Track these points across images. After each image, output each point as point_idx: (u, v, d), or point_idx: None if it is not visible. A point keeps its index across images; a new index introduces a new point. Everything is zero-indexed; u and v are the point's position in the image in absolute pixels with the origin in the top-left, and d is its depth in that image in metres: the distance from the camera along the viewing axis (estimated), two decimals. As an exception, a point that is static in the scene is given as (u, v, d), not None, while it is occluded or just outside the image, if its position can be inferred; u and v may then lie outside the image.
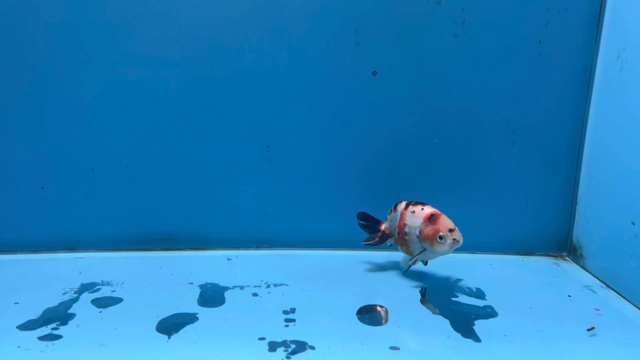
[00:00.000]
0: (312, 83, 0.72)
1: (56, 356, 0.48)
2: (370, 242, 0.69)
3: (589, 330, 0.54)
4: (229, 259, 0.73)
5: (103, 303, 0.59)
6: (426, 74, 0.73)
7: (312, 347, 0.50)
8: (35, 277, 0.65)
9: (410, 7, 0.71)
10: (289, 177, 0.75)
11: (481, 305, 0.60)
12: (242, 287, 0.64)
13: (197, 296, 0.61)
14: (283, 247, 0.77)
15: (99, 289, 0.62)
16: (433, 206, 0.63)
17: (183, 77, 0.71)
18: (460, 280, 0.67)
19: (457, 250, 0.61)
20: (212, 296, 0.61)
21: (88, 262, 0.70)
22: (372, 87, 0.73)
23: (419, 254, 0.63)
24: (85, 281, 0.64)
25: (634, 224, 0.62)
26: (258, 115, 0.73)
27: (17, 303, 0.58)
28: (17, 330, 0.52)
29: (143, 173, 0.73)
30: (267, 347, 0.50)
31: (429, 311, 0.58)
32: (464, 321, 0.56)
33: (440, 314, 0.57)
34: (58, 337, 0.51)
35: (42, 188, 0.72)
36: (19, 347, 0.49)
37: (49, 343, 0.50)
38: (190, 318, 0.56)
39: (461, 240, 0.59)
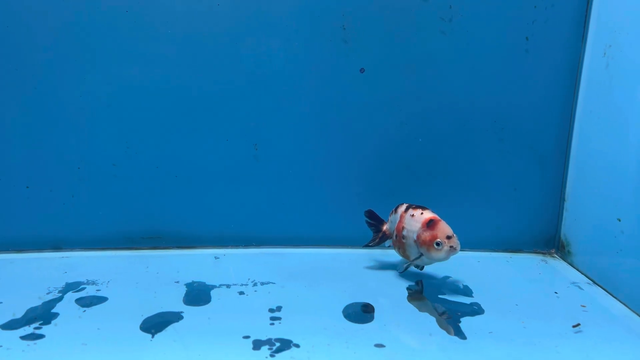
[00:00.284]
0: (300, 80, 0.72)
1: (37, 356, 0.47)
2: (370, 244, 0.68)
3: (574, 327, 0.54)
4: (216, 258, 0.73)
5: (87, 302, 0.58)
6: (414, 71, 0.73)
7: (297, 345, 0.50)
8: (19, 277, 0.65)
9: (398, 4, 0.71)
10: (277, 175, 0.75)
11: (468, 302, 0.60)
12: (228, 286, 0.63)
13: (183, 295, 0.61)
14: (271, 245, 0.76)
15: (83, 288, 0.62)
16: (433, 211, 0.62)
17: (169, 75, 0.70)
18: (447, 277, 0.67)
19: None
20: (198, 295, 0.61)
21: (74, 262, 0.70)
22: (359, 84, 0.73)
23: (415, 259, 0.62)
24: (70, 280, 0.64)
25: (620, 220, 0.62)
26: (245, 113, 0.73)
27: (1, 302, 0.57)
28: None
29: (129, 171, 0.73)
30: (251, 346, 0.50)
31: (415, 309, 0.58)
32: (451, 318, 0.56)
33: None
34: (40, 336, 0.51)
35: (27, 187, 0.71)
36: (0, 346, 0.49)
37: (31, 342, 0.49)
38: (175, 317, 0.55)
39: (458, 248, 0.58)
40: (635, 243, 0.59)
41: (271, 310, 0.57)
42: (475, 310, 0.58)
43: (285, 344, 0.50)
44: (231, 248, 0.76)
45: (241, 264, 0.71)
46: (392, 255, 0.69)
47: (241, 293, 0.61)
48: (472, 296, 0.62)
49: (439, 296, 0.62)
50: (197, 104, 0.72)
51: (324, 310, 0.57)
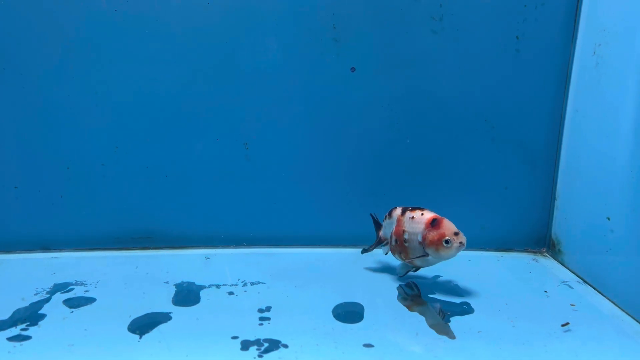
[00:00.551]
0: (290, 79, 0.72)
1: (23, 357, 0.47)
2: (366, 249, 0.68)
3: (563, 325, 0.54)
4: (207, 258, 0.72)
5: (75, 303, 0.58)
6: (405, 70, 0.72)
7: (285, 346, 0.50)
8: (7, 278, 0.64)
9: (388, 3, 0.70)
10: (268, 175, 0.75)
11: (458, 302, 0.60)
12: (218, 286, 0.63)
13: (172, 295, 0.60)
14: (262, 245, 0.76)
15: (72, 289, 0.61)
16: (432, 210, 0.61)
17: (158, 74, 0.70)
18: (438, 277, 0.67)
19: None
20: (187, 295, 0.60)
21: (62, 262, 0.69)
22: (350, 83, 0.73)
23: (418, 257, 0.60)
24: (59, 281, 0.63)
25: (609, 219, 0.62)
26: (236, 113, 0.72)
27: (-13, 304, 0.57)
28: (-15, 331, 0.51)
29: (119, 171, 0.72)
30: (239, 346, 0.49)
31: (405, 308, 0.58)
32: (432, 315, 0.56)
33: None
34: (27, 337, 0.50)
35: (16, 187, 0.71)
36: (-14, 348, 0.48)
37: (17, 344, 0.49)
38: (164, 317, 0.55)
39: (465, 243, 0.58)
40: (624, 242, 0.59)
41: (260, 311, 0.57)
42: (464, 309, 0.58)
43: (274, 344, 0.50)
44: (222, 248, 0.76)
45: (231, 264, 0.70)
46: (382, 254, 0.68)
47: (231, 293, 0.61)
48: (462, 295, 0.62)
49: (430, 295, 0.62)
50: (187, 103, 0.71)
51: (314, 310, 0.57)
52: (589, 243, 0.66)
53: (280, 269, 0.69)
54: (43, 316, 0.55)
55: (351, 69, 0.72)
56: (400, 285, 0.64)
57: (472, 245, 0.76)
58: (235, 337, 0.51)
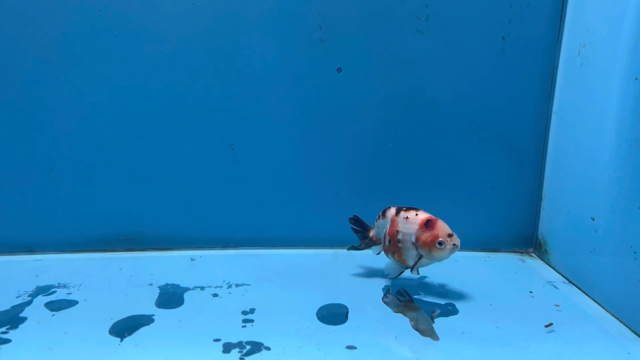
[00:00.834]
0: (276, 80, 0.71)
1: (2, 361, 0.47)
2: (355, 249, 0.67)
3: (546, 326, 0.54)
4: (192, 260, 0.72)
5: (57, 306, 0.57)
6: (391, 71, 0.72)
7: (268, 348, 0.49)
8: (-11, 280, 0.64)
9: (374, 3, 0.70)
10: (254, 176, 0.74)
11: (443, 303, 0.60)
12: (202, 288, 0.63)
13: (156, 297, 0.60)
14: (249, 246, 0.76)
15: (54, 292, 0.61)
16: (426, 211, 0.60)
17: (143, 75, 0.69)
18: (424, 277, 0.67)
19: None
20: (171, 297, 0.60)
21: (46, 264, 0.69)
22: (337, 84, 0.72)
23: (416, 262, 0.60)
24: (41, 284, 0.63)
25: (593, 219, 0.62)
26: (222, 113, 0.72)
27: (-32, 307, 0.56)
28: (-36, 335, 0.51)
29: (104, 172, 0.72)
30: (221, 349, 0.49)
31: (389, 309, 0.58)
32: (424, 319, 0.56)
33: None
34: (7, 341, 0.50)
35: (-1, 189, 0.70)
36: (-36, 352, 0.48)
37: (-4, 348, 0.48)
38: (146, 320, 0.54)
39: (459, 245, 0.57)
40: (608, 242, 0.59)
41: (244, 313, 0.56)
42: (449, 310, 0.58)
43: (256, 347, 0.50)
44: (208, 249, 0.75)
45: (217, 265, 0.70)
46: (369, 255, 0.68)
47: (215, 295, 0.61)
48: (447, 296, 0.62)
49: (415, 296, 0.61)
50: (172, 103, 0.71)
51: (298, 311, 0.57)
52: (574, 243, 0.66)
53: (266, 270, 0.68)
54: (24, 319, 0.54)
55: (337, 69, 0.72)
56: (392, 292, 0.64)
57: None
58: (217, 340, 0.51)
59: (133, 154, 0.72)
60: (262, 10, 0.70)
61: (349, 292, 0.62)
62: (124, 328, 0.53)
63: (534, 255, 0.76)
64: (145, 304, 0.58)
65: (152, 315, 0.56)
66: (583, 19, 0.66)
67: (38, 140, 0.70)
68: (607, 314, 0.58)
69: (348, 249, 0.69)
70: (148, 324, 0.54)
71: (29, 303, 0.58)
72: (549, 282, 0.67)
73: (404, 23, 0.71)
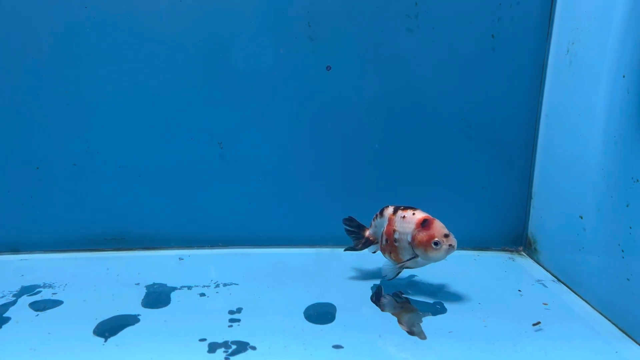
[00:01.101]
0: (265, 77, 0.71)
1: (-17, 362, 0.46)
2: (351, 249, 0.66)
3: (534, 325, 0.54)
4: (181, 259, 0.71)
5: (41, 306, 0.56)
6: (381, 69, 0.72)
7: (254, 348, 0.49)
8: (-26, 281, 0.63)
9: (364, 1, 0.70)
10: (243, 174, 0.74)
11: (431, 302, 0.60)
12: (190, 287, 0.62)
13: (142, 297, 0.59)
14: (238, 245, 0.75)
15: (39, 292, 0.60)
16: (423, 210, 0.60)
17: (130, 72, 0.69)
18: (413, 276, 0.66)
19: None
20: (157, 297, 0.59)
21: (32, 264, 0.68)
22: (326, 82, 0.72)
23: (408, 260, 0.59)
24: (27, 284, 0.62)
25: (582, 217, 0.62)
26: (210, 112, 0.71)
27: (-49, 308, 0.56)
28: (-54, 336, 0.50)
29: (91, 171, 0.71)
30: (206, 349, 0.49)
31: (377, 309, 0.58)
32: (412, 318, 0.55)
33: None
34: (-11, 342, 0.49)
35: (-16, 188, 0.70)
36: (-56, 353, 0.47)
37: (-22, 349, 0.48)
38: (132, 320, 0.54)
39: (456, 246, 0.57)
40: (596, 240, 0.59)
41: (231, 312, 0.56)
42: (437, 309, 0.58)
43: (242, 347, 0.49)
44: (197, 249, 0.75)
45: (206, 264, 0.69)
46: (358, 254, 0.68)
47: (202, 295, 0.60)
48: (436, 295, 0.61)
49: (403, 296, 0.61)
50: (160, 101, 0.70)
51: (286, 311, 0.57)
52: (563, 242, 0.66)
53: (255, 269, 0.68)
54: (7, 319, 0.53)
55: (327, 67, 0.72)
56: (374, 284, 0.64)
57: (449, 244, 0.77)
58: (203, 340, 0.50)
59: (120, 153, 0.71)
60: (250, 7, 0.69)
61: (338, 291, 0.62)
62: (109, 328, 0.52)
63: (524, 254, 0.76)
64: (131, 304, 0.57)
65: (138, 315, 0.55)
66: (572, 17, 0.66)
67: (24, 138, 0.69)
68: (595, 312, 0.58)
69: (345, 250, 0.67)
70: (133, 324, 0.53)
71: (13, 303, 0.57)
72: (538, 280, 0.67)
73: (393, 21, 0.71)
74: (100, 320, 0.53)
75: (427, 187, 0.75)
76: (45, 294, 0.59)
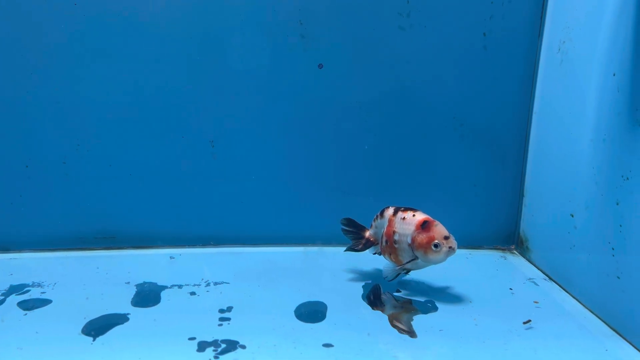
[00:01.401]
0: (256, 75, 0.71)
1: (-31, 362, 0.45)
2: (352, 249, 0.66)
3: (524, 323, 0.54)
4: (171, 258, 0.71)
5: (30, 305, 0.56)
6: (373, 67, 0.72)
7: (243, 347, 0.49)
8: (-38, 280, 0.62)
9: (355, -1, 0.70)
10: (235, 173, 0.73)
11: (423, 300, 0.60)
12: (180, 286, 0.62)
13: (132, 296, 0.59)
14: (229, 244, 0.75)
15: (28, 291, 0.59)
16: (424, 212, 0.59)
17: (121, 70, 0.68)
18: (405, 275, 0.66)
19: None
20: (147, 296, 0.59)
21: (21, 263, 0.68)
22: (318, 80, 0.72)
23: (408, 262, 0.59)
24: (15, 283, 0.61)
25: (573, 215, 0.62)
26: (201, 109, 0.71)
27: (-63, 307, 0.55)
28: None
29: (81, 170, 0.70)
30: (196, 347, 0.48)
31: (369, 307, 0.58)
32: (403, 316, 0.55)
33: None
34: (-24, 341, 0.49)
35: (-28, 186, 0.69)
36: None
37: (-36, 348, 0.47)
38: (121, 319, 0.54)
39: (456, 248, 0.56)
40: (586, 238, 0.59)
41: (221, 311, 0.56)
42: (428, 307, 0.58)
43: (232, 345, 0.49)
44: (188, 248, 0.74)
45: (197, 263, 0.69)
46: (350, 254, 0.68)
47: (192, 293, 0.60)
48: (427, 294, 0.61)
49: (395, 294, 0.61)
50: (151, 99, 0.70)
51: (276, 309, 0.56)
52: (555, 240, 0.66)
53: (246, 268, 0.68)
54: (-6, 319, 0.53)
55: (319, 65, 0.71)
56: (366, 283, 0.63)
57: (441, 242, 0.77)
58: (192, 338, 0.50)
59: (111, 151, 0.70)
60: (242, 5, 0.69)
61: (329, 290, 0.62)
62: (98, 327, 0.52)
63: (516, 252, 0.76)
64: (121, 303, 0.57)
65: (127, 314, 0.55)
66: (563, 15, 0.66)
67: (12, 136, 0.68)
68: (586, 310, 0.58)
69: (345, 250, 0.67)
70: (122, 323, 0.53)
71: (1, 302, 0.57)
72: (530, 279, 0.67)
73: (386, 19, 0.70)
74: (89, 319, 0.53)
75: (418, 185, 0.75)
76: (34, 293, 0.59)
